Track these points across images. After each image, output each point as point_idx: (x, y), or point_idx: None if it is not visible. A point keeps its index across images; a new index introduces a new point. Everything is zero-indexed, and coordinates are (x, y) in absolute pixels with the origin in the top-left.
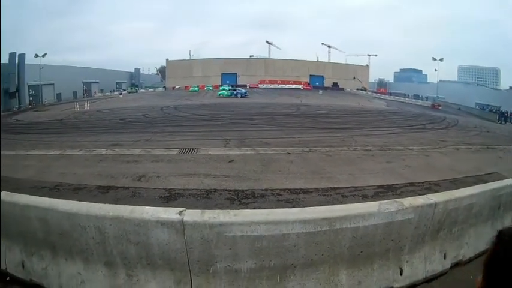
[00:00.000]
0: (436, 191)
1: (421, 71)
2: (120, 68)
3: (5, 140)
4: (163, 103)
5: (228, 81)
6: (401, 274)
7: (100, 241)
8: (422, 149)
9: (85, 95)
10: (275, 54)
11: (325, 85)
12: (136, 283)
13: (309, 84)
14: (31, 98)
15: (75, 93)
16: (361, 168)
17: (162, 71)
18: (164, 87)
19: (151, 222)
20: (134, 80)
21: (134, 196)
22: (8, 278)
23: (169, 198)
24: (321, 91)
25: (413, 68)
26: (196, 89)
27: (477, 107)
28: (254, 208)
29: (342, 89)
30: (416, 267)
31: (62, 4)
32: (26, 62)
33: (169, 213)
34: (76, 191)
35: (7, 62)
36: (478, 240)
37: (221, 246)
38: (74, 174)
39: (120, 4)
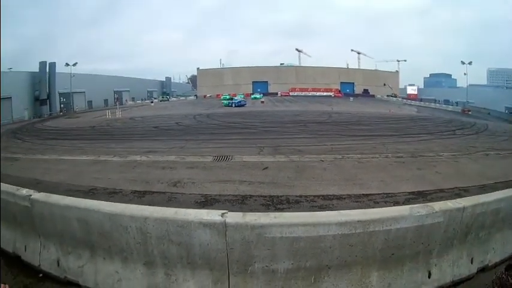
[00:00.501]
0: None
1: (450, 75)
2: (151, 77)
3: (38, 145)
4: (196, 111)
5: (259, 89)
6: (429, 277)
7: (141, 241)
8: (452, 155)
9: (116, 102)
10: (305, 62)
11: (356, 92)
12: (174, 282)
13: (339, 91)
14: (62, 105)
15: (106, 101)
16: (393, 175)
17: (192, 79)
18: (195, 95)
19: (194, 224)
20: (165, 89)
21: (170, 201)
22: (40, 275)
23: (205, 203)
24: (351, 98)
25: (442, 72)
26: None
27: (506, 111)
28: None
29: (373, 96)
30: (444, 271)
31: (95, 15)
32: (58, 71)
33: (212, 215)
34: (111, 195)
35: (37, 70)
36: (505, 246)
37: (260, 247)
38: (109, 179)
39: (152, 14)
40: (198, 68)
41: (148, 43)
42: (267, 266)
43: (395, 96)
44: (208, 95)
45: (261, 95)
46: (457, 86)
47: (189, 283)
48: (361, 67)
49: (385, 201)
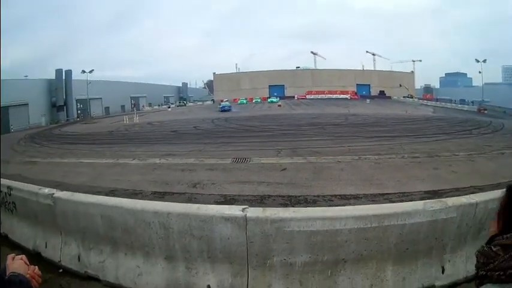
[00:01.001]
0: None
1: (465, 74)
2: (167, 83)
3: (56, 149)
4: (213, 116)
5: (275, 93)
6: (443, 272)
7: (163, 236)
8: (468, 154)
9: (133, 108)
10: (320, 64)
11: (372, 94)
12: (194, 275)
13: (355, 93)
14: (79, 111)
15: (123, 106)
16: (409, 175)
17: (209, 84)
18: (212, 100)
19: (216, 218)
20: (182, 94)
21: (190, 201)
22: (60, 270)
23: (224, 203)
24: (368, 100)
25: (458, 71)
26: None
27: None
28: None
29: (389, 97)
30: (457, 267)
31: (112, 22)
32: (75, 78)
33: (233, 210)
34: (132, 196)
35: (53, 77)
36: None
37: (279, 240)
38: (129, 181)
39: (169, 21)
40: (214, 73)
41: (164, 49)
42: (285, 259)
43: (412, 97)
44: (225, 100)
45: (278, 98)
46: (473, 85)
47: (209, 276)
48: (377, 68)
49: (401, 200)
